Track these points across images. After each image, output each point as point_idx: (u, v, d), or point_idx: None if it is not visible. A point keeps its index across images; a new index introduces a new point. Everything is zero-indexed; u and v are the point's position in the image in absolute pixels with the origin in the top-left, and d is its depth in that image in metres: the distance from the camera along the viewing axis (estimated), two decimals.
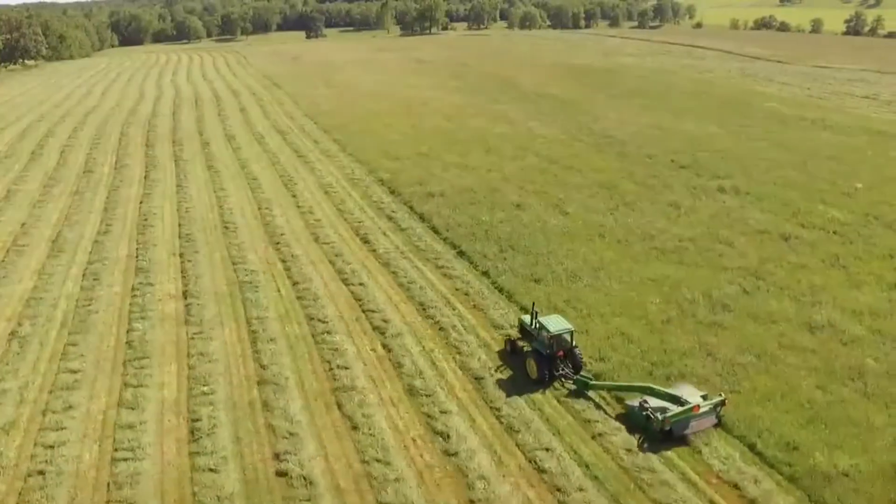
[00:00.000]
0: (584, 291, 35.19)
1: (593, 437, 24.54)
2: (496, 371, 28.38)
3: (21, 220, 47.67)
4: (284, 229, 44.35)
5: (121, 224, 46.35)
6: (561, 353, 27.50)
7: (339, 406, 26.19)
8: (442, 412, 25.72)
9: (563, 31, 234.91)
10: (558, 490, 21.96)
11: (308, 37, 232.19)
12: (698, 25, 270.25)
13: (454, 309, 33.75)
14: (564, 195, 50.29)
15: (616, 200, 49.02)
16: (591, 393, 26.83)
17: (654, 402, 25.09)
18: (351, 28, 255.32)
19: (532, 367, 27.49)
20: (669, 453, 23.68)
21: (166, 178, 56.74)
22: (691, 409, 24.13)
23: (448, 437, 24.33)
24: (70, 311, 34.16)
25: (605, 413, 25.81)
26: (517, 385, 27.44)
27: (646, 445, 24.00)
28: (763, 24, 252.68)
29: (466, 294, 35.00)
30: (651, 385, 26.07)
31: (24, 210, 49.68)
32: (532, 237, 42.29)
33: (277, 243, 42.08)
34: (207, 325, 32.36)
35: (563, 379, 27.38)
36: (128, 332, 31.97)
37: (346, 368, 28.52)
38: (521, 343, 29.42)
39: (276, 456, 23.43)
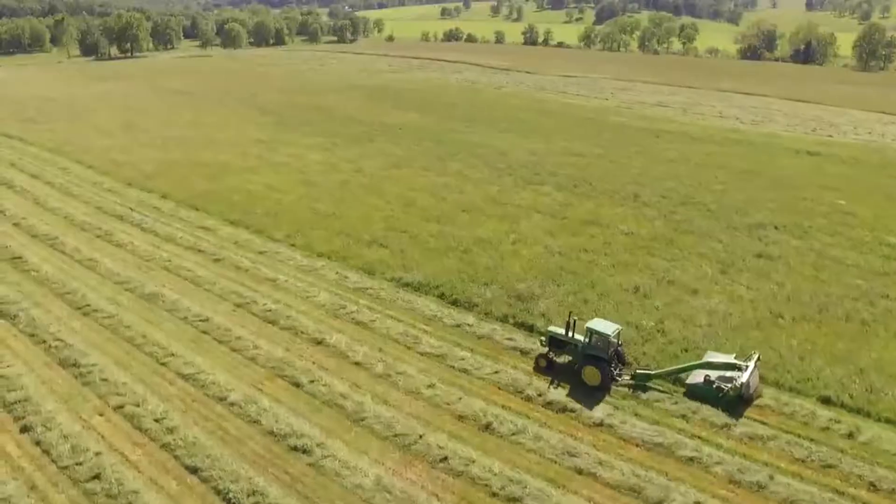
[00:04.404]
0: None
1: None
2: None
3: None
4: (369, 412, 25.64)
5: None
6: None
7: None
8: None
9: (279, 49, 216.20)
10: None
11: None
12: (390, 38, 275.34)
13: None
14: (651, 263, 40.16)
15: (710, 267, 40.13)
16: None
17: (713, 374, 26.96)
18: None
19: (593, 374, 27.44)
20: None
21: None
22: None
23: None
24: None
25: None
26: None
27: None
28: (452, 37, 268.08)
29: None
30: (707, 360, 27.89)
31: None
32: (724, 331, 32.02)
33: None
34: None
35: (617, 378, 27.87)
36: None
37: None
38: (554, 356, 29.02)
39: None
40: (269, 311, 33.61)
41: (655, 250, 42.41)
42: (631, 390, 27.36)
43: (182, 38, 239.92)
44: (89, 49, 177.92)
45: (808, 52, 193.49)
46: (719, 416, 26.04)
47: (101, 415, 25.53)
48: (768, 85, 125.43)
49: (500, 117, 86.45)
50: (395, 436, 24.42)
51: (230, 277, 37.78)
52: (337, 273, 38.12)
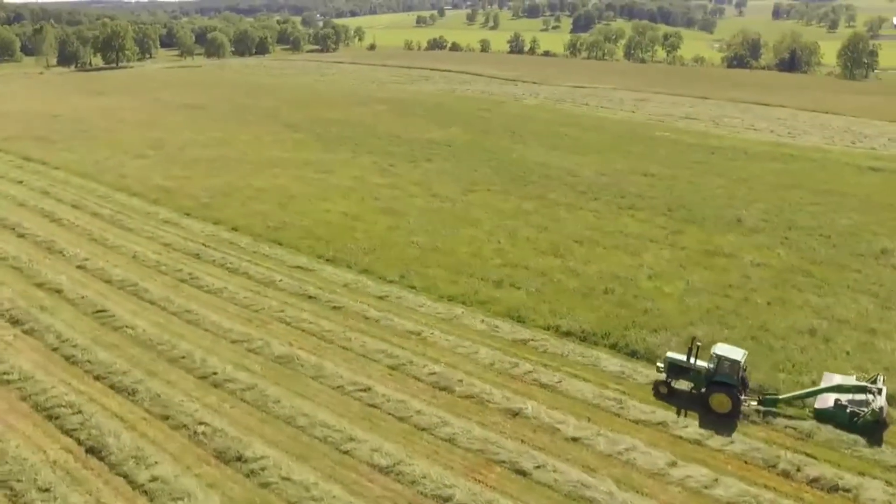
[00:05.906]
0: None
1: None
2: None
3: None
4: None
5: None
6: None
7: None
8: None
9: (266, 58, 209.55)
10: None
11: None
12: (372, 47, 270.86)
13: None
14: (807, 300, 37.21)
15: (868, 301, 37.17)
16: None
17: (843, 397, 26.48)
18: None
19: (724, 400, 26.89)
20: None
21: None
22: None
23: None
24: None
25: None
26: None
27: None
28: (436, 45, 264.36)
29: None
30: (833, 383, 27.40)
31: None
32: None
33: None
34: None
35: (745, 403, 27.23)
36: None
37: None
38: (675, 383, 28.29)
39: None
40: (434, 374, 29.30)
41: (800, 284, 39.43)
42: (761, 416, 26.79)
43: (159, 46, 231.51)
44: (68, 58, 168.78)
45: (793, 61, 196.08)
46: None
47: None
48: (775, 94, 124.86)
49: (541, 132, 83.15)
50: None
51: (364, 331, 33.32)
52: (483, 322, 34.00)
